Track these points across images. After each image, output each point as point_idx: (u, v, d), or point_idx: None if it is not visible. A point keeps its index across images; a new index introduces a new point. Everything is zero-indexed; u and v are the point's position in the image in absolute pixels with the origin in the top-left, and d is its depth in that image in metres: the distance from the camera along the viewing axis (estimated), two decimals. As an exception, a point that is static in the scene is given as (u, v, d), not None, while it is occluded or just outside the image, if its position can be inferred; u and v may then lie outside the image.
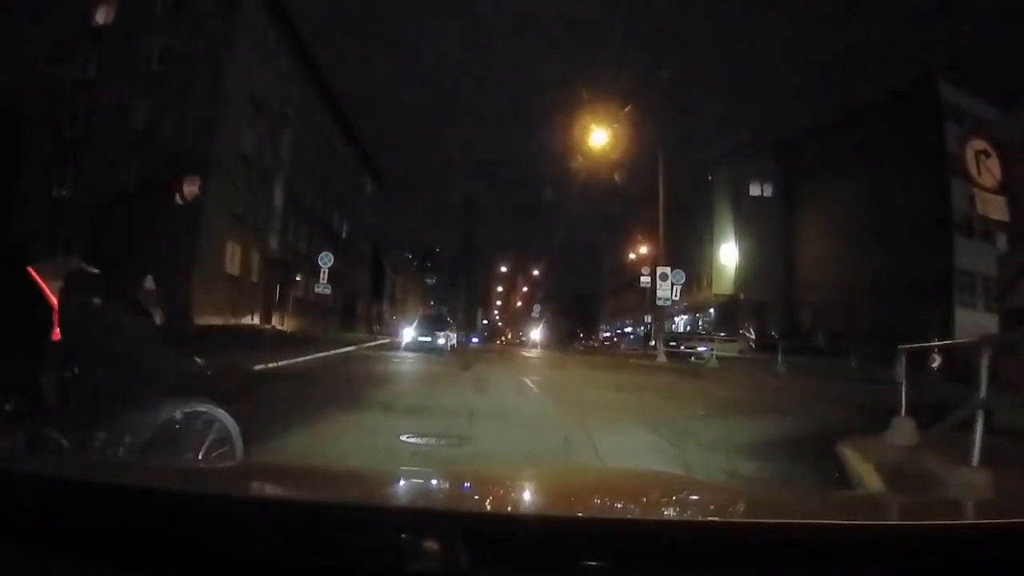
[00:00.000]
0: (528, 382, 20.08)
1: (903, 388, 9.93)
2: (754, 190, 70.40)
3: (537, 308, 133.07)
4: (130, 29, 41.18)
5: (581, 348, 77.81)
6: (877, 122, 54.55)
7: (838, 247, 58.00)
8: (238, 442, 5.04)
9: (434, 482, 3.11)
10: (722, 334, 48.80)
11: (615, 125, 34.78)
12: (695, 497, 3.11)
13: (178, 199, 5.89)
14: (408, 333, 40.03)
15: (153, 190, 6.21)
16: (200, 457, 4.72)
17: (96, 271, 4.86)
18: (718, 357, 34.50)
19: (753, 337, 50.12)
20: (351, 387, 16.35)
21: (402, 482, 3.06)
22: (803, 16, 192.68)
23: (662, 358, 35.49)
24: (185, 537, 1.86)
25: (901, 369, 11.26)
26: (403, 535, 1.75)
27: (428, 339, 37.77)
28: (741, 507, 2.87)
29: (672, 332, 54.23)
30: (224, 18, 41.31)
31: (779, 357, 30.12)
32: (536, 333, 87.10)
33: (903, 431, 9.28)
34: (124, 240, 5.33)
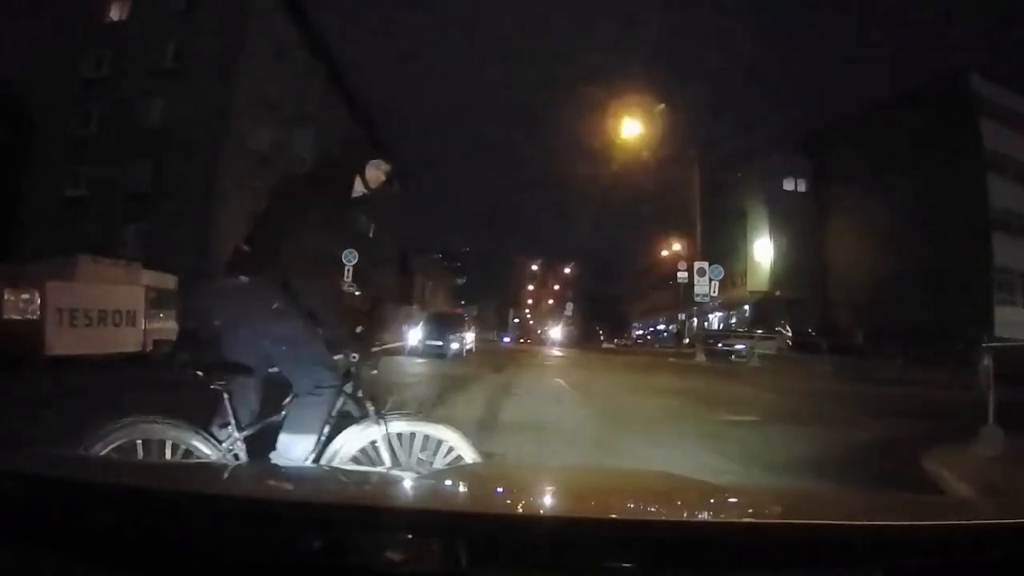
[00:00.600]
0: (564, 385, 19.30)
1: (991, 393, 9.02)
2: (787, 185, 69.80)
3: (570, 307, 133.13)
4: (144, 27, 41.03)
5: (613, 346, 77.36)
6: (910, 116, 53.00)
7: (873, 243, 56.86)
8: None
9: (434, 482, 3.07)
10: (759, 332, 47.79)
11: (648, 122, 33.91)
12: (695, 497, 3.05)
13: (360, 187, 4.94)
14: (413, 336, 35.18)
15: (324, 177, 5.04)
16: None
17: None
18: (758, 356, 33.72)
19: (789, 335, 48.99)
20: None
21: (402, 482, 3.03)
22: (833, 9, 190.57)
23: (700, 357, 34.72)
24: (184, 537, 1.85)
25: (986, 372, 10.19)
26: (403, 535, 1.76)
27: (438, 343, 33.01)
28: (741, 507, 2.85)
29: (708, 330, 53.39)
30: (238, 15, 40.90)
31: (823, 357, 29.19)
32: (556, 332, 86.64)
33: (993, 441, 8.29)
34: (278, 227, 4.69)
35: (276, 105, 45.47)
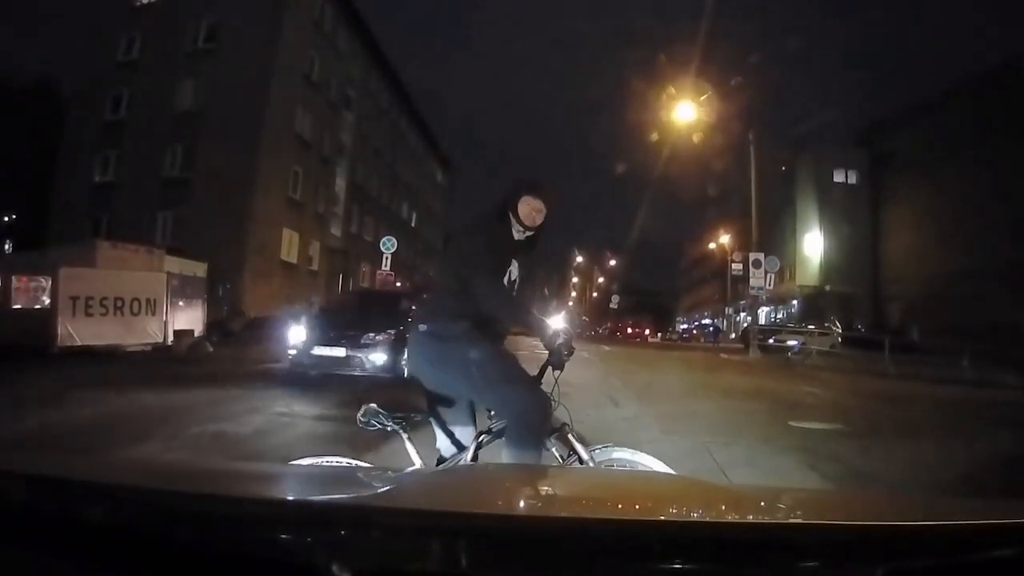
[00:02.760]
0: (619, 385, 17.87)
1: None
2: (839, 177, 68.51)
3: (615, 299, 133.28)
4: (175, 7, 40.18)
5: (658, 340, 77.10)
6: (975, 103, 51.51)
7: (927, 237, 55.80)
8: None
9: (434, 482, 3.07)
10: (811, 327, 46.57)
11: (698, 109, 32.76)
12: (696, 497, 2.97)
13: (519, 226, 4.88)
14: None
15: (480, 225, 4.88)
16: None
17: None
18: (815, 352, 32.72)
19: (840, 331, 47.74)
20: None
21: (402, 482, 2.86)
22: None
23: (755, 353, 33.51)
24: (184, 537, 1.81)
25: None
26: (403, 535, 1.76)
27: None
28: (741, 507, 2.74)
29: (759, 325, 52.37)
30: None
31: (886, 355, 28.67)
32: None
33: None
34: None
35: (316, 88, 44.75)
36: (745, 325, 39.51)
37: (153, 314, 20.05)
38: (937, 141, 54.37)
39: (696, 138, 34.14)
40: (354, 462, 4.06)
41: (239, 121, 36.86)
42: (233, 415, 10.58)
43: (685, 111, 32.48)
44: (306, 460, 3.95)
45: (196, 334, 22.25)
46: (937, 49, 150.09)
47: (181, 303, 21.80)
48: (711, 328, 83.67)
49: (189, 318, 22.24)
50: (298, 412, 11.17)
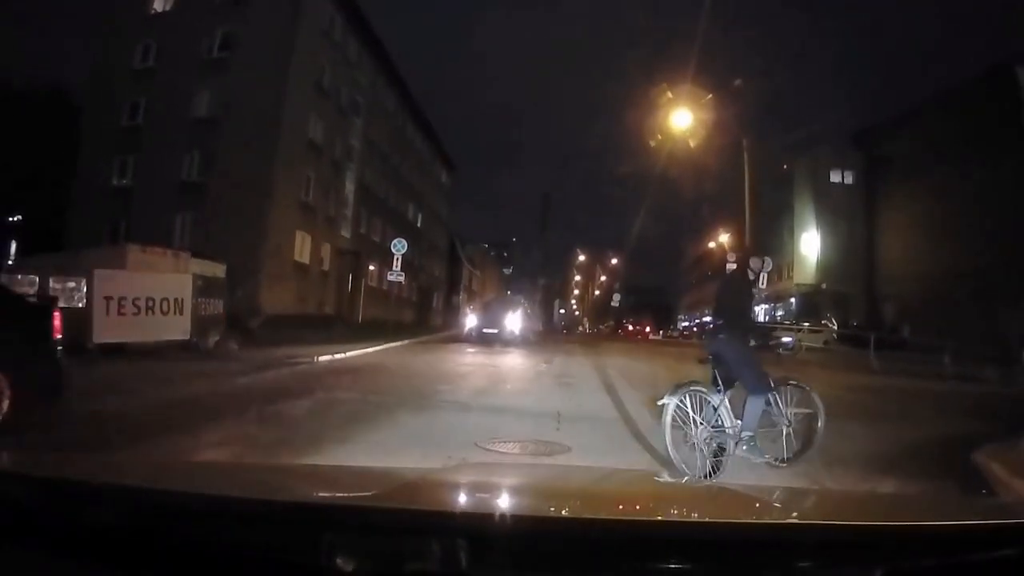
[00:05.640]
0: (624, 383, 19.27)
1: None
2: (835, 178, 69.35)
3: (617, 297, 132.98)
4: (190, 16, 41.06)
5: (659, 337, 77.06)
6: (967, 108, 51.79)
7: (922, 238, 56.07)
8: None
9: (434, 482, 3.03)
10: (806, 325, 47.49)
11: (697, 112, 33.58)
12: (696, 497, 3.20)
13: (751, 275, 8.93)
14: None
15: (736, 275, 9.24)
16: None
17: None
18: (805, 348, 33.60)
19: (835, 328, 48.64)
20: (418, 382, 16.28)
21: (402, 482, 2.96)
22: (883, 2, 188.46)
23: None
24: (184, 537, 1.89)
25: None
26: (403, 535, 1.79)
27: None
28: (742, 507, 2.93)
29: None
30: (287, 3, 40.82)
31: (872, 352, 29.34)
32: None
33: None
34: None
35: (327, 95, 45.62)
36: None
37: (180, 313, 21.05)
38: (932, 144, 54.88)
39: (694, 141, 35.02)
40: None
41: (254, 127, 37.73)
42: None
43: (683, 115, 33.35)
44: None
45: (220, 333, 23.31)
46: (934, 53, 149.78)
47: (204, 303, 22.73)
48: (710, 325, 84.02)
49: (212, 317, 23.20)
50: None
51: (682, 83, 33.68)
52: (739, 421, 7.86)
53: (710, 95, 32.96)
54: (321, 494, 2.63)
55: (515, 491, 2.99)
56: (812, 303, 64.00)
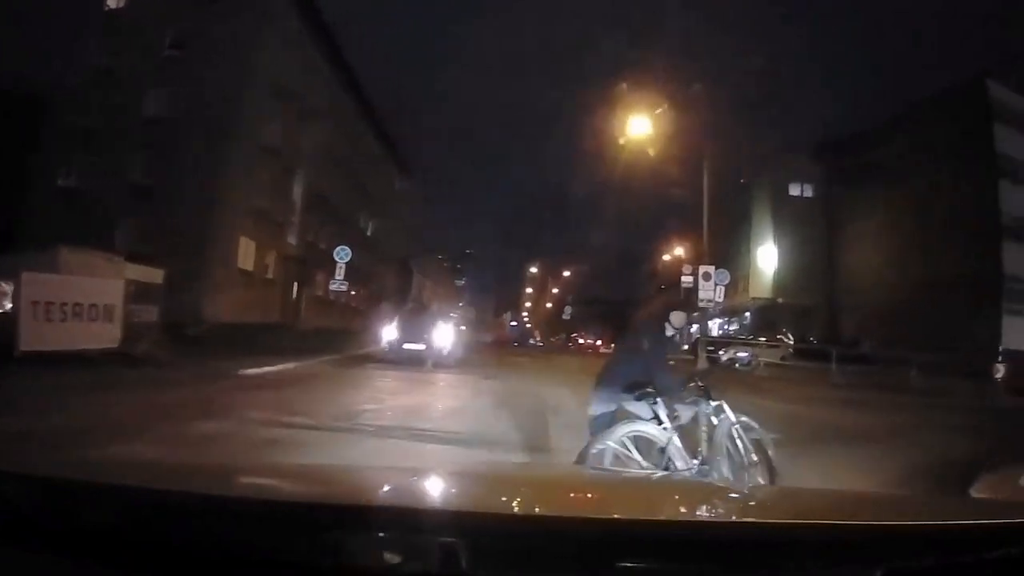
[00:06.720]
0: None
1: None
2: (794, 191, 69.84)
3: (568, 310, 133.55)
4: (144, 14, 40.31)
5: (610, 351, 77.77)
6: (923, 123, 53.14)
7: (881, 251, 56.74)
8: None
9: (434, 482, 3.02)
10: (763, 339, 47.07)
11: (653, 123, 33.08)
12: (696, 497, 3.11)
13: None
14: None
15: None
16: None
17: None
18: (764, 364, 33.22)
19: (792, 343, 48.28)
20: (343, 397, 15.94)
21: (402, 482, 2.93)
22: (843, 17, 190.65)
23: (703, 364, 33.83)
24: (184, 537, 1.86)
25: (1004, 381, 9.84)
26: (403, 535, 1.78)
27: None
28: (741, 507, 2.94)
29: (709, 336, 52.71)
30: (244, 3, 40.21)
31: (834, 366, 29.45)
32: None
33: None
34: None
35: (280, 97, 44.76)
36: (696, 336, 39.65)
37: (111, 320, 20.17)
38: (891, 156, 55.66)
39: (653, 150, 34.57)
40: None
41: (204, 129, 37.07)
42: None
43: (642, 122, 32.85)
44: None
45: (153, 341, 22.16)
46: (894, 67, 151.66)
47: (138, 310, 22.05)
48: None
49: (146, 325, 22.44)
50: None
51: (641, 93, 33.32)
52: (695, 461, 6.95)
53: (664, 107, 32.64)
54: (321, 494, 2.56)
55: (515, 491, 2.94)
56: (768, 317, 63.54)
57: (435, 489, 2.84)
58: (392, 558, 1.70)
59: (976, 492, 7.24)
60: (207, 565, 1.78)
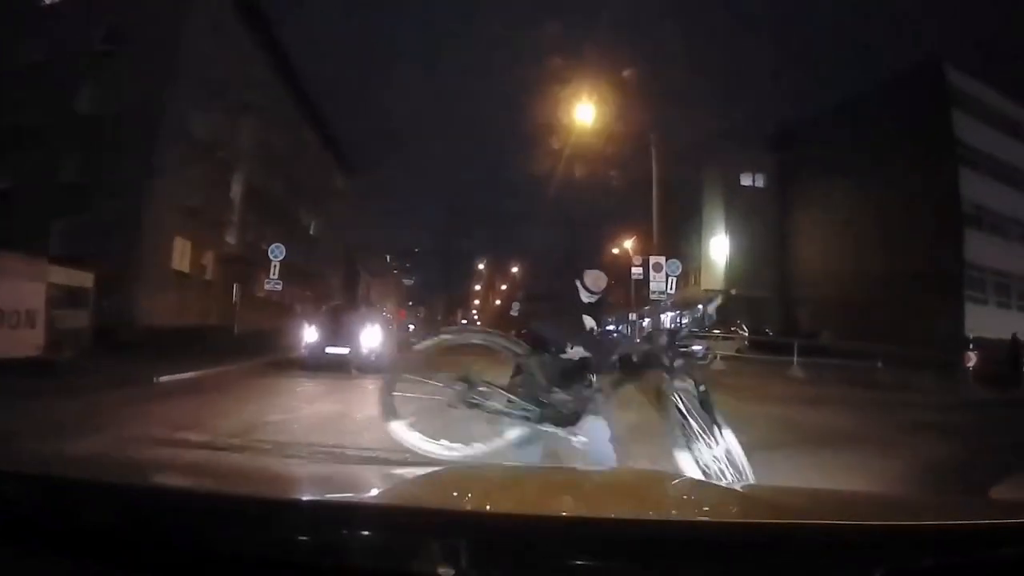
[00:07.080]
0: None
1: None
2: (745, 181, 69.59)
3: (515, 306, 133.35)
4: (78, 7, 39.31)
5: None
6: (879, 109, 52.70)
7: (837, 241, 56.79)
8: None
9: (434, 482, 3.10)
10: (717, 332, 46.63)
11: (600, 110, 32.32)
12: (696, 497, 3.23)
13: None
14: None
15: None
16: None
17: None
18: (720, 358, 32.71)
19: (747, 335, 47.87)
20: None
21: (402, 482, 2.99)
22: (795, 4, 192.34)
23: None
24: (184, 536, 1.87)
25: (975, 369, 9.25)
26: (403, 535, 1.81)
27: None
28: (742, 507, 2.94)
29: (661, 330, 52.35)
30: (175, -5, 39.19)
31: (795, 359, 29.26)
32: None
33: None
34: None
35: (216, 92, 43.73)
36: (648, 330, 38.99)
37: (32, 327, 19.24)
38: (844, 144, 55.27)
39: (599, 140, 33.91)
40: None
41: (137, 125, 36.10)
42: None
43: (586, 110, 32.07)
44: None
45: (80, 345, 21.54)
46: (848, 56, 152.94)
47: (63, 314, 21.12)
48: (615, 334, 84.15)
49: (73, 331, 21.64)
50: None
51: (586, 80, 32.71)
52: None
53: (609, 90, 32.10)
54: (321, 493, 2.64)
55: (515, 491, 2.99)
56: (722, 309, 62.76)
57: (435, 489, 2.85)
58: (392, 558, 1.69)
59: (996, 494, 6.65)
60: (207, 565, 1.75)
